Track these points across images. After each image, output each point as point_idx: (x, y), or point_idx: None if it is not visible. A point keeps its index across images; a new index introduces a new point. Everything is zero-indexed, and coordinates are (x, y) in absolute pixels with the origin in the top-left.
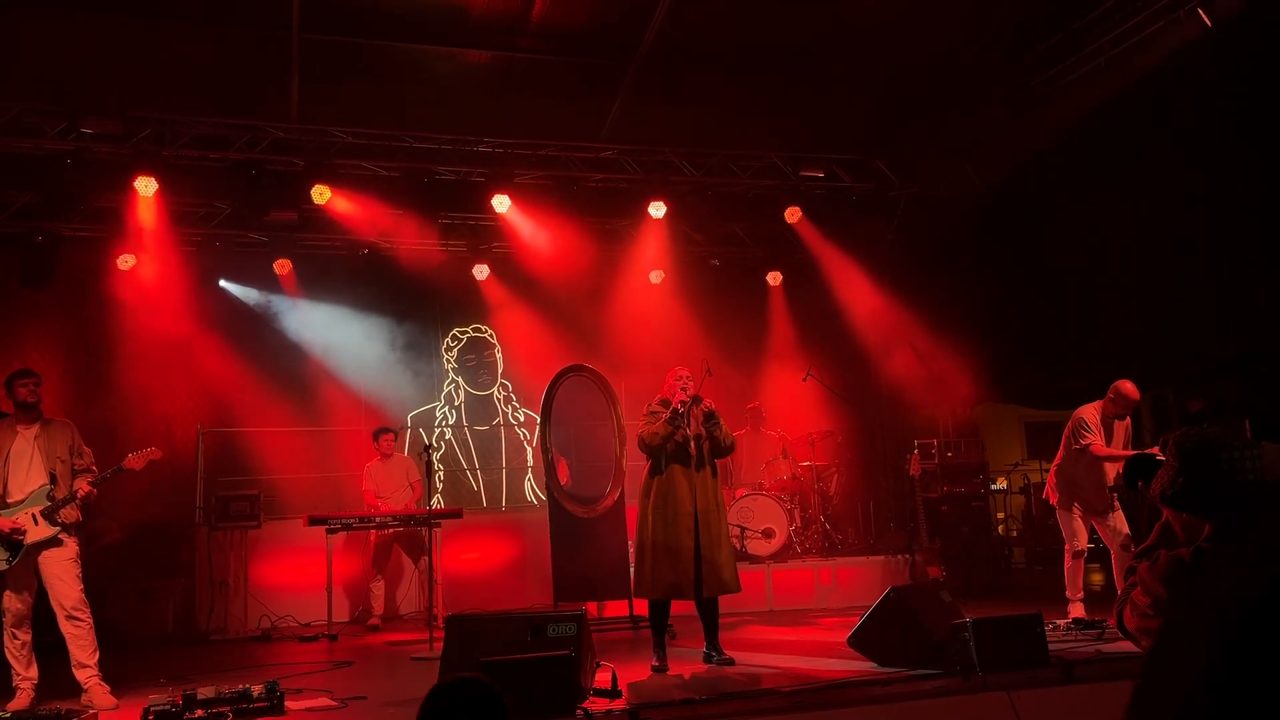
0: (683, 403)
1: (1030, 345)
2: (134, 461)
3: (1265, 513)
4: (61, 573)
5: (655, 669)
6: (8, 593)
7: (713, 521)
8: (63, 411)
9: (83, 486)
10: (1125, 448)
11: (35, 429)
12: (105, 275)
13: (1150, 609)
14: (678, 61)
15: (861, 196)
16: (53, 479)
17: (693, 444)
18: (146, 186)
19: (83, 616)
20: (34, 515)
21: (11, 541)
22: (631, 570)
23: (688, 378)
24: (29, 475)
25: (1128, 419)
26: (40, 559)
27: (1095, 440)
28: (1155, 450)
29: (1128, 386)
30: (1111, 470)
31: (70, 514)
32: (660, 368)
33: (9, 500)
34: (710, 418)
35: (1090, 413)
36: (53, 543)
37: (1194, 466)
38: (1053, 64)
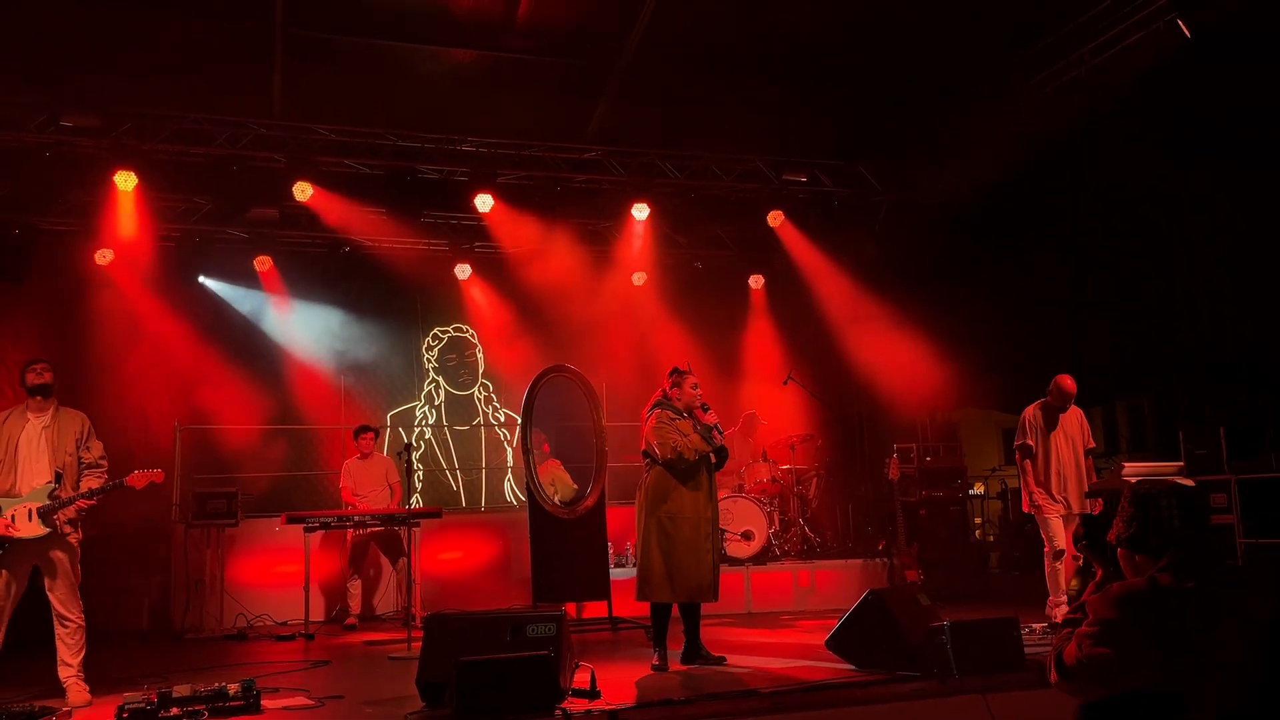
0: (710, 415)
1: (1009, 351)
2: (136, 480)
3: (1212, 554)
4: (57, 567)
5: (655, 668)
6: None
7: (716, 527)
8: None
9: (82, 498)
10: (1084, 438)
11: (46, 417)
12: (83, 269)
13: (1099, 636)
14: (663, 63)
15: (843, 201)
16: (58, 478)
17: (712, 452)
18: (126, 181)
19: (70, 615)
20: (30, 511)
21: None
22: (622, 572)
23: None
24: (36, 468)
25: (1081, 414)
26: (40, 554)
27: (1026, 441)
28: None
29: (1064, 379)
30: (1071, 469)
31: (69, 512)
32: (642, 370)
33: (14, 492)
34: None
35: (1029, 411)
36: (52, 539)
37: (1144, 512)
38: (1034, 73)
